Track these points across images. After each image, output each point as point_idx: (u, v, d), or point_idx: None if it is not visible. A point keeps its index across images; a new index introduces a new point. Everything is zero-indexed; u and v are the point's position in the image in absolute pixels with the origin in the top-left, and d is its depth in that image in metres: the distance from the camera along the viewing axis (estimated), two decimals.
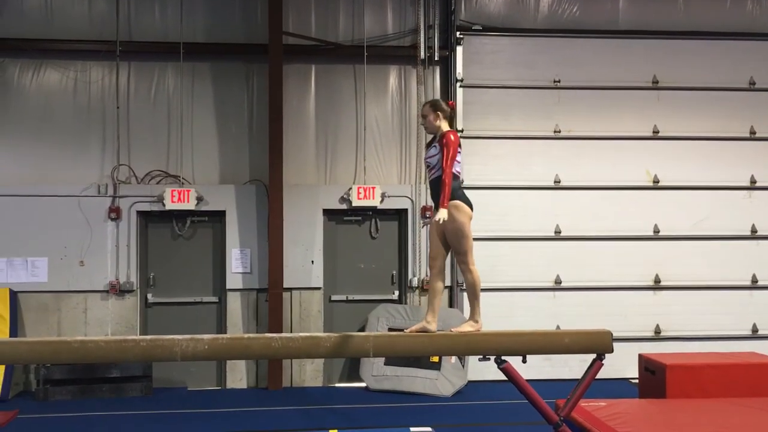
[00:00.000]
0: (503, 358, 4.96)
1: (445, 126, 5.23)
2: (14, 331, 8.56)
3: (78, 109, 9.22)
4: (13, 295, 8.67)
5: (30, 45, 9.06)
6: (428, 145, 5.34)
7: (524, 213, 9.55)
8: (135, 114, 9.29)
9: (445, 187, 4.99)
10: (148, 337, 4.87)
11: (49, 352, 4.75)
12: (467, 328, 5.12)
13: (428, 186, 5.46)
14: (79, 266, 8.95)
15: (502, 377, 5.07)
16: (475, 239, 9.58)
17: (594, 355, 4.97)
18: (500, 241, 9.46)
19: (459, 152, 5.15)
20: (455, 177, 5.09)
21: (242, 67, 9.45)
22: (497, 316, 9.06)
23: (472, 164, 9.47)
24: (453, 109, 5.47)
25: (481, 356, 5.00)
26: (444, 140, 5.08)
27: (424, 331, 5.02)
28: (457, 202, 5.10)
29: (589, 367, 5.00)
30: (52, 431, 7.07)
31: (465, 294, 9.26)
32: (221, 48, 9.38)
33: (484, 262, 9.34)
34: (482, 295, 9.47)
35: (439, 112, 5.23)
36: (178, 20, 9.26)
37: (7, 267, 8.83)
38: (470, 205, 5.16)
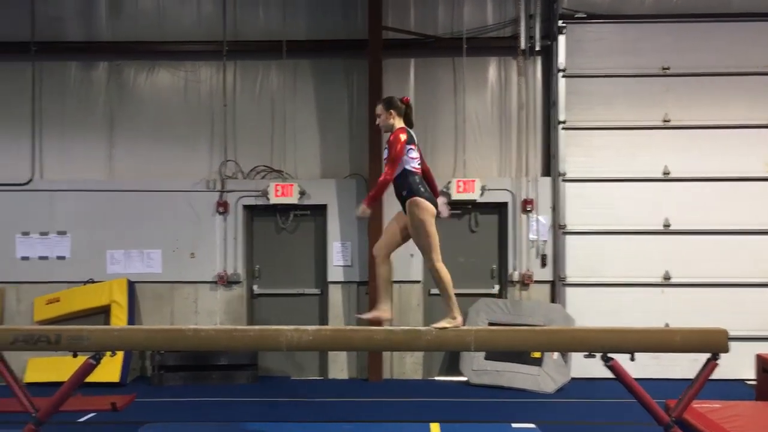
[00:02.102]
0: (609, 355, 4.83)
1: (398, 123, 5.22)
2: (131, 318, 9.07)
3: (188, 108, 9.63)
4: (131, 285, 9.18)
5: (144, 47, 9.54)
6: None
7: (631, 206, 9.20)
8: (240, 111, 9.61)
9: (377, 186, 5.02)
10: (256, 327, 5.06)
11: (165, 340, 5.02)
12: (444, 324, 5.01)
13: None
14: (189, 258, 9.37)
15: (607, 375, 4.94)
16: (578, 233, 9.43)
17: (707, 355, 4.76)
18: (605, 235, 9.17)
19: (412, 148, 5.11)
20: (413, 173, 5.07)
21: (342, 62, 9.59)
22: (602, 312, 8.85)
23: (575, 156, 9.24)
24: (407, 104, 5.36)
25: (587, 353, 4.88)
26: (389, 139, 5.11)
27: (378, 319, 5.12)
28: (418, 199, 5.04)
29: (703, 367, 4.80)
30: (167, 415, 7.43)
31: (566, 289, 9.14)
32: (322, 44, 9.55)
33: (589, 257, 9.17)
34: (587, 291, 9.34)
35: (392, 111, 5.24)
36: (281, 19, 9.50)
37: (125, 258, 9.37)
38: (433, 203, 5.09)
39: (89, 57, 9.62)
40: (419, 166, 5.20)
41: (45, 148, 9.56)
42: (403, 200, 5.17)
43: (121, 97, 9.66)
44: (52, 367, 8.58)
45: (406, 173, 5.13)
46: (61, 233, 9.39)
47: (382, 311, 5.15)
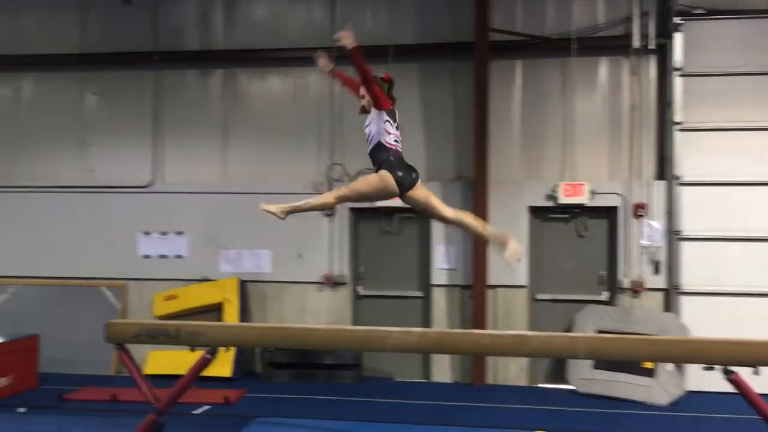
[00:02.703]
0: (732, 368, 4.57)
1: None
2: (242, 316, 9.41)
3: (297, 113, 9.89)
4: (242, 284, 9.53)
5: (257, 55, 9.90)
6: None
7: (756, 211, 8.67)
8: (347, 115, 9.76)
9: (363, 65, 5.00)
10: (363, 327, 5.12)
11: (277, 337, 5.17)
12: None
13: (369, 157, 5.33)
14: (297, 259, 9.62)
15: (727, 389, 4.68)
16: (695, 239, 8.97)
17: None
18: (726, 242, 8.70)
19: (389, 121, 5.10)
20: (387, 148, 5.08)
21: (448, 65, 9.57)
22: (721, 323, 8.40)
23: (691, 158, 8.82)
24: (389, 81, 5.30)
25: (706, 365, 4.64)
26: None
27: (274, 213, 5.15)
28: (384, 171, 5.05)
29: None
30: (275, 410, 7.65)
31: (682, 298, 8.73)
32: (428, 48, 9.57)
33: (707, 264, 8.72)
34: (704, 300, 8.89)
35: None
36: (387, 24, 9.60)
37: (238, 258, 9.74)
38: (400, 183, 5.04)
39: (205, 65, 10.08)
40: (395, 144, 5.17)
41: (165, 153, 10.08)
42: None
43: (235, 103, 10.05)
44: (169, 360, 9.03)
45: (379, 146, 5.16)
46: (179, 233, 9.87)
47: (279, 207, 5.21)
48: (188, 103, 10.10)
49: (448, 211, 5.30)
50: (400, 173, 5.10)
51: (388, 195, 5.18)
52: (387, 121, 5.17)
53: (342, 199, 5.28)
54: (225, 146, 10.02)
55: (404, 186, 5.14)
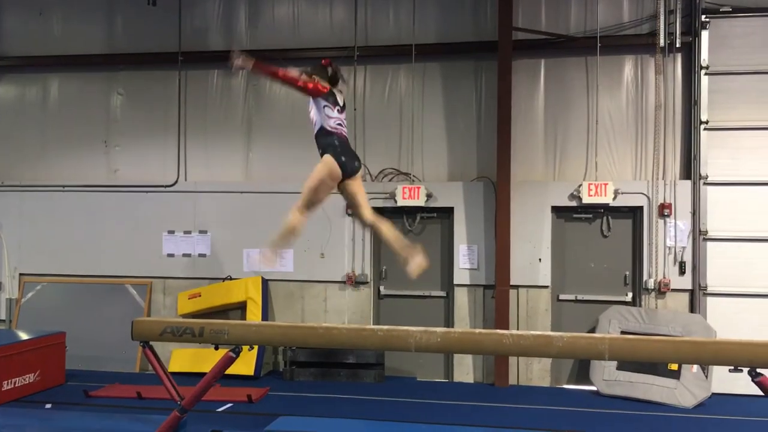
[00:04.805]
0: (759, 371, 4.50)
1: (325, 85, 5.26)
2: (265, 315, 9.46)
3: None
4: (265, 283, 9.58)
5: (280, 55, 9.87)
6: None
7: None
8: (369, 115, 9.78)
9: (271, 69, 5.21)
10: (385, 327, 5.10)
11: (299, 336, 5.18)
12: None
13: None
14: (320, 258, 9.65)
15: (754, 391, 4.62)
16: (722, 239, 8.86)
17: None
18: (754, 243, 8.59)
19: (329, 106, 5.19)
20: (330, 133, 5.18)
21: (471, 65, 9.55)
22: (749, 325, 8.29)
23: (719, 158, 8.72)
24: (328, 65, 5.40)
25: (733, 367, 4.58)
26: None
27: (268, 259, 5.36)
28: (326, 156, 5.15)
29: None
30: (298, 409, 7.69)
31: (708, 299, 8.63)
32: (451, 47, 9.54)
33: (734, 265, 8.61)
34: (731, 301, 8.77)
35: (314, 76, 5.34)
36: (410, 23, 9.59)
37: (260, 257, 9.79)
38: (342, 167, 5.12)
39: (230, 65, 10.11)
40: (338, 127, 5.22)
41: (189, 152, 10.17)
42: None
43: (258, 103, 10.11)
44: (193, 358, 9.12)
45: (322, 131, 5.24)
46: (203, 232, 9.95)
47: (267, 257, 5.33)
48: (212, 102, 10.18)
49: (368, 213, 5.39)
50: (342, 158, 5.21)
51: (333, 180, 5.25)
52: (326, 105, 5.26)
53: (304, 205, 5.31)
54: (248, 145, 10.08)
55: (346, 171, 5.23)
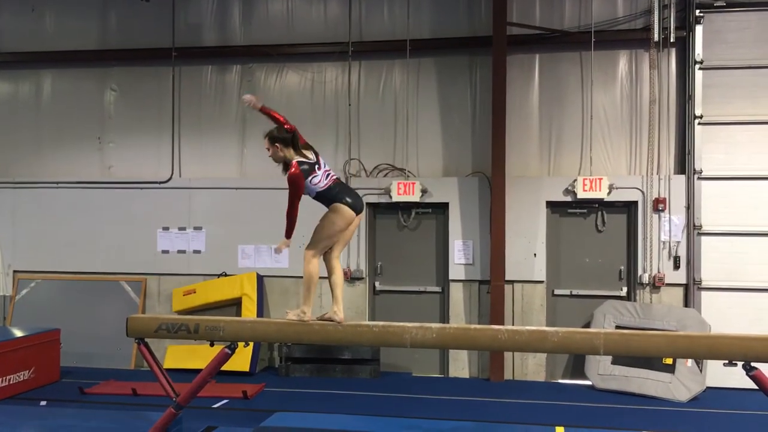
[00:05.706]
0: (753, 364, 4.52)
1: (289, 154, 5.14)
2: (260, 310, 9.45)
3: (314, 108, 9.90)
4: (260, 279, 9.57)
5: (274, 50, 9.90)
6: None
7: None
8: (364, 110, 9.77)
9: (286, 222, 5.11)
10: (380, 323, 5.11)
11: (294, 333, 5.19)
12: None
13: None
14: None
15: (747, 385, 4.64)
16: (716, 234, 8.89)
17: None
18: (747, 237, 8.63)
19: (315, 174, 5.05)
20: (327, 190, 5.09)
21: (465, 60, 9.53)
22: (743, 319, 8.33)
23: (713, 153, 8.74)
24: (293, 131, 5.21)
25: (727, 361, 4.60)
26: (287, 178, 5.02)
27: (299, 318, 5.11)
28: (337, 204, 5.09)
29: None
30: (294, 404, 7.68)
31: (702, 293, 8.66)
32: (445, 42, 9.53)
33: (728, 259, 8.64)
34: (725, 295, 8.81)
35: (278, 144, 5.16)
36: (404, 18, 9.57)
37: (255, 253, 9.78)
38: (353, 208, 5.10)
39: (223, 61, 10.11)
40: (329, 180, 5.17)
41: (183, 148, 10.14)
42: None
43: None
44: (188, 354, 9.11)
45: (319, 196, 5.19)
46: (197, 228, 9.93)
47: (303, 314, 5.15)
48: (206, 98, 10.14)
49: (336, 258, 5.42)
50: (348, 199, 5.18)
51: (348, 224, 5.22)
52: (312, 178, 5.10)
53: (320, 252, 5.31)
54: (243, 141, 10.05)
55: (357, 209, 5.21)
